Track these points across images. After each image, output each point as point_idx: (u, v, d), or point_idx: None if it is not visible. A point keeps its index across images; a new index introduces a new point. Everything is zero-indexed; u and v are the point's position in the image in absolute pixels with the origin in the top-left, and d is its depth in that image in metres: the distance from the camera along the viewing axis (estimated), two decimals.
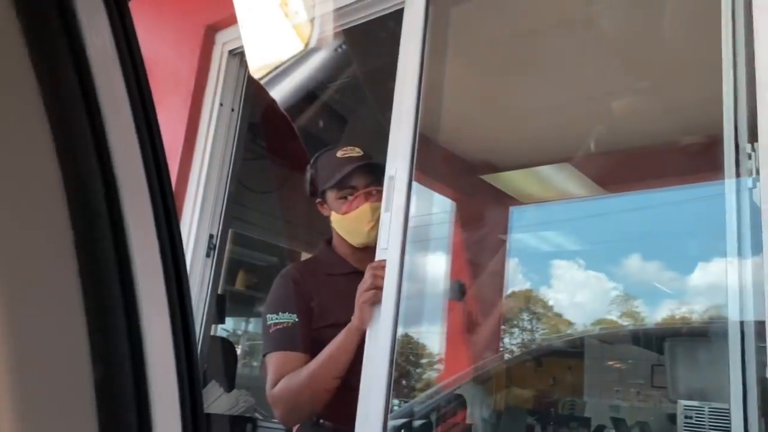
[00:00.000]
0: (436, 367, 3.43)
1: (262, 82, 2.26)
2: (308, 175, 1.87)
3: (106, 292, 0.48)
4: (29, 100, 0.46)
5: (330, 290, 1.76)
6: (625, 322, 3.27)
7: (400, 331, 1.58)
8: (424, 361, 3.44)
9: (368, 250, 1.73)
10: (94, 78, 0.49)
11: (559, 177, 3.27)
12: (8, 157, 0.46)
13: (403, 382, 3.16)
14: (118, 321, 0.48)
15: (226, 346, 2.37)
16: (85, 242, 0.47)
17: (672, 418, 2.51)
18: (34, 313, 0.45)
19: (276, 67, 2.25)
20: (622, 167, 2.98)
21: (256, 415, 2.43)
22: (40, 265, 0.46)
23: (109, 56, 0.51)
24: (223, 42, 2.42)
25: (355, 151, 1.83)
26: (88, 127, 0.48)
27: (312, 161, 1.88)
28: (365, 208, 1.76)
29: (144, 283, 0.49)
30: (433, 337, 3.33)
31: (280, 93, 2.34)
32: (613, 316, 3.31)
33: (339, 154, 1.82)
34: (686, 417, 2.31)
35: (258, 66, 2.24)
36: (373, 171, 1.78)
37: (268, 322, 1.73)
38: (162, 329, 0.51)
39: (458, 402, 2.77)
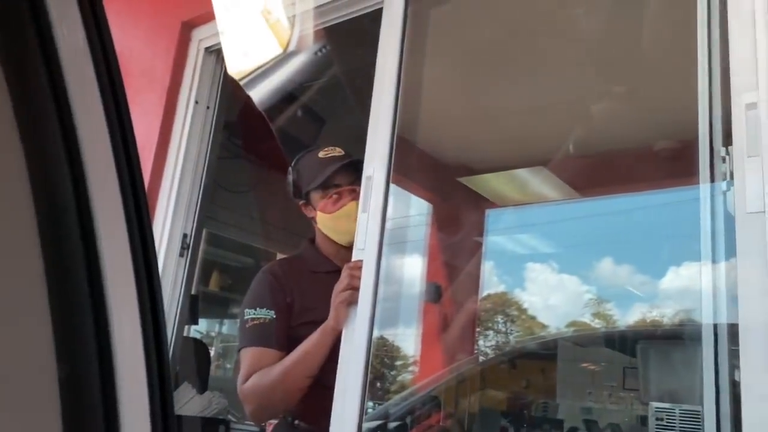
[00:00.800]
0: (410, 369, 3.43)
1: (239, 81, 2.24)
2: (290, 177, 1.86)
3: (73, 290, 0.46)
4: None
5: (312, 288, 1.75)
6: (598, 325, 3.31)
7: (376, 332, 1.57)
8: (398, 363, 3.43)
9: (352, 249, 1.73)
10: (65, 73, 0.48)
11: (534, 180, 3.29)
12: None
13: (378, 384, 3.15)
14: (86, 319, 0.46)
15: (199, 347, 2.33)
16: (51, 239, 0.45)
17: (644, 420, 2.53)
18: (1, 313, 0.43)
19: (253, 66, 2.23)
20: (597, 171, 3.01)
21: (230, 417, 2.40)
22: (4, 262, 0.44)
23: (81, 51, 0.50)
24: (200, 39, 2.39)
25: (336, 151, 1.83)
26: (57, 123, 0.47)
27: (293, 163, 1.87)
28: (351, 206, 1.75)
29: (113, 282, 0.48)
30: (408, 339, 3.33)
31: (257, 92, 2.31)
32: (586, 319, 3.34)
33: (321, 154, 1.82)
34: (657, 419, 2.34)
35: (235, 65, 2.22)
36: (356, 169, 1.78)
37: (246, 317, 1.72)
38: (132, 329, 0.49)
39: (433, 404, 2.77)
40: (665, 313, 3.01)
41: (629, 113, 2.70)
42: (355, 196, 1.77)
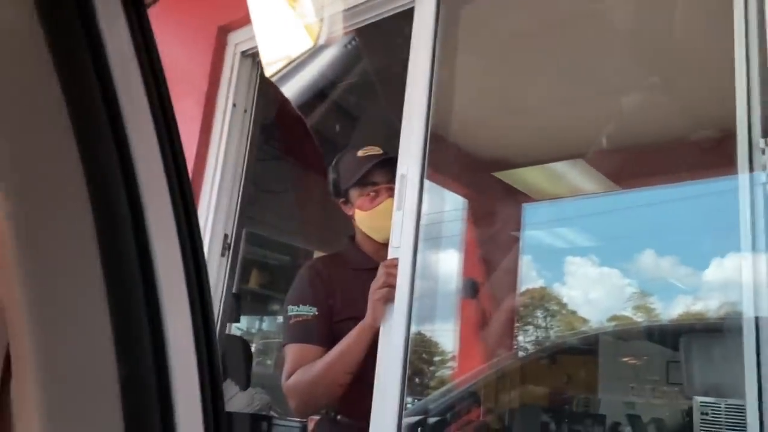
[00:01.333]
0: (449, 365, 3.43)
1: (275, 81, 2.28)
2: (330, 176, 1.90)
3: (129, 292, 0.49)
4: (53, 104, 0.47)
5: (353, 285, 1.78)
6: (640, 319, 3.26)
7: (413, 329, 1.59)
8: (437, 359, 3.44)
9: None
10: (115, 82, 0.50)
11: (571, 173, 3.26)
12: (34, 161, 0.47)
13: (416, 379, 3.16)
14: (142, 320, 0.49)
15: (242, 344, 2.38)
16: (108, 244, 0.48)
17: (688, 415, 2.49)
18: (62, 314, 0.47)
19: (288, 67, 2.26)
20: (635, 163, 2.97)
21: (272, 413, 2.45)
22: (67, 267, 0.47)
23: (129, 60, 0.52)
24: (236, 43, 2.44)
25: (375, 150, 1.86)
26: (109, 130, 0.49)
27: (333, 163, 1.91)
28: (388, 203, 1.77)
29: (166, 283, 0.50)
30: (446, 335, 3.33)
31: (293, 93, 2.35)
32: (628, 313, 3.30)
33: (359, 153, 1.86)
34: (702, 413, 2.30)
35: (272, 67, 2.25)
36: (394, 167, 1.80)
37: (289, 314, 1.76)
38: (183, 328, 0.52)
39: (472, 399, 2.77)
40: (709, 306, 2.95)
41: (667, 104, 2.65)
42: (392, 193, 1.79)
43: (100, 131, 0.49)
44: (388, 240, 1.78)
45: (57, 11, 0.48)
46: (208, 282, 0.55)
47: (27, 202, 0.47)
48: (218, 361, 0.54)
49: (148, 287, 0.50)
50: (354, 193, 1.84)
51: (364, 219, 1.83)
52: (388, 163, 1.80)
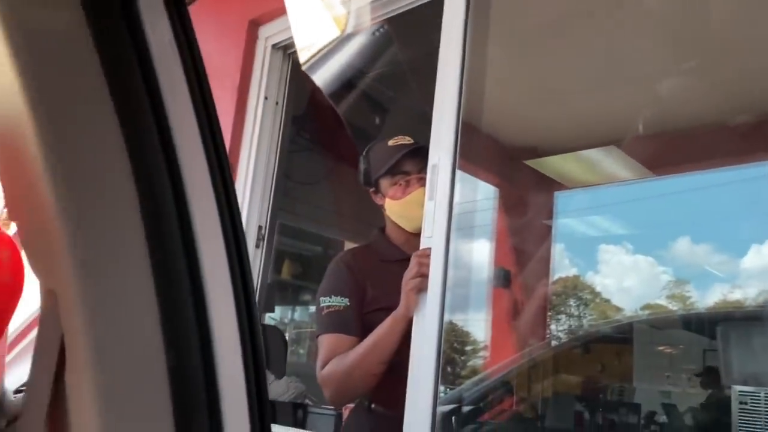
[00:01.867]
0: (481, 354, 3.43)
1: (307, 71, 2.29)
2: (361, 165, 1.91)
3: (176, 285, 0.50)
4: (101, 102, 0.49)
5: (383, 276, 1.80)
6: (675, 307, 3.21)
7: (446, 318, 1.59)
8: (468, 348, 3.44)
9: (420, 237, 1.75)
10: (159, 80, 0.52)
11: (605, 160, 3.21)
12: (84, 159, 0.49)
13: (449, 368, 3.17)
14: (188, 312, 0.51)
15: (277, 333, 2.42)
16: (156, 239, 0.50)
17: (726, 404, 2.46)
18: (113, 306, 0.48)
19: (320, 55, 2.28)
20: (670, 149, 2.91)
21: (307, 401, 2.48)
22: (117, 261, 0.49)
23: (172, 58, 0.54)
24: (266, 36, 2.46)
25: (406, 140, 1.86)
26: (155, 127, 0.51)
27: (364, 152, 1.91)
28: (419, 192, 1.77)
29: (210, 276, 0.52)
30: (478, 325, 3.33)
31: (325, 82, 2.36)
32: (663, 301, 3.25)
33: (390, 142, 1.86)
34: (741, 403, 2.27)
35: (305, 54, 2.26)
36: (425, 156, 1.80)
37: (321, 305, 1.78)
38: (228, 319, 0.53)
39: (505, 389, 2.77)
40: (747, 294, 2.89)
41: (703, 88, 2.59)
42: (423, 182, 1.79)
43: (146, 128, 0.51)
44: (418, 229, 1.79)
45: (103, 13, 0.49)
46: (251, 274, 0.57)
47: (78, 199, 0.49)
48: (261, 350, 0.56)
49: (194, 280, 0.52)
50: (385, 183, 1.85)
51: (394, 208, 1.84)
52: (419, 153, 1.80)
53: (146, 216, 0.50)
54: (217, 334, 0.52)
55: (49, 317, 0.51)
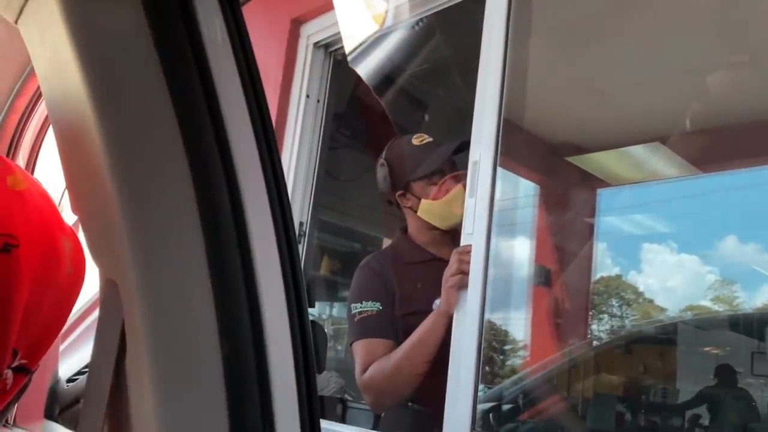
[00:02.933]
0: (520, 353, 3.41)
1: (352, 65, 2.30)
2: (384, 169, 1.88)
3: (230, 276, 0.52)
4: (161, 102, 0.51)
5: (409, 278, 1.79)
6: (721, 308, 3.13)
7: (486, 316, 1.58)
8: (507, 347, 3.42)
9: (447, 235, 1.75)
10: (215, 78, 0.53)
11: (649, 157, 3.15)
12: (144, 157, 0.51)
13: (487, 367, 3.16)
14: (242, 303, 0.52)
15: (317, 329, 2.44)
16: (211, 231, 0.51)
17: None
18: (171, 295, 0.50)
19: (364, 50, 2.29)
20: (717, 145, 2.84)
21: (346, 396, 2.50)
22: (175, 253, 0.51)
23: (226, 57, 0.55)
24: (308, 35, 2.48)
25: (426, 138, 1.84)
26: (211, 126, 0.53)
27: (384, 155, 1.89)
28: (458, 190, 1.77)
29: (263, 269, 0.53)
30: (517, 323, 3.30)
31: (368, 77, 2.37)
32: (708, 302, 3.17)
33: (415, 142, 1.84)
34: None
35: (350, 48, 2.27)
36: (457, 154, 1.80)
37: (353, 312, 1.78)
38: (279, 310, 0.54)
39: (546, 388, 2.75)
40: None
41: (751, 82, 2.52)
42: (458, 180, 1.79)
43: (202, 125, 0.53)
44: (454, 227, 1.78)
45: (162, 12, 0.51)
46: (300, 268, 0.58)
47: (138, 193, 0.51)
48: (311, 343, 0.57)
49: (247, 273, 0.53)
50: (419, 184, 1.83)
51: (434, 208, 1.82)
52: (453, 150, 1.80)
53: (202, 210, 0.51)
54: (269, 326, 0.53)
55: (110, 305, 0.53)
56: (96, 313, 0.56)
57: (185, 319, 0.50)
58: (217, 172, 0.52)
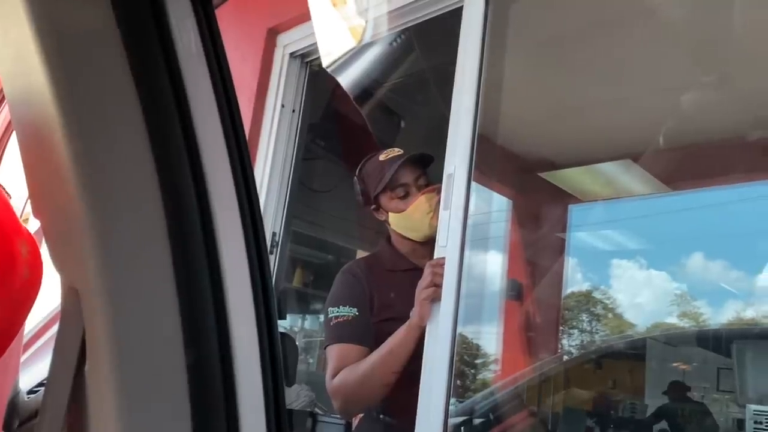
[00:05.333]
0: (491, 367, 3.41)
1: (333, 77, 2.29)
2: (357, 187, 1.89)
3: (197, 284, 0.51)
4: (128, 102, 0.49)
5: (390, 286, 1.79)
6: (689, 324, 3.18)
7: (458, 329, 1.58)
8: (479, 361, 3.42)
9: (429, 245, 1.75)
10: (185, 80, 0.52)
11: (620, 174, 3.20)
12: (109, 159, 0.50)
13: (458, 381, 3.15)
14: (208, 313, 0.51)
15: (287, 341, 2.42)
16: (178, 238, 0.50)
17: (740, 424, 2.43)
18: (134, 303, 0.49)
19: (342, 62, 2.28)
20: (687, 164, 2.89)
21: (316, 409, 2.48)
22: (139, 259, 0.49)
23: (198, 58, 0.54)
24: (284, 44, 2.47)
25: (396, 152, 1.85)
26: (180, 127, 0.51)
27: (358, 172, 1.90)
28: (421, 200, 1.77)
29: (231, 276, 0.52)
30: (490, 337, 3.31)
31: (350, 89, 2.37)
32: (676, 318, 3.22)
33: (381, 158, 1.85)
34: (756, 422, 2.24)
35: (327, 61, 2.27)
36: (417, 163, 1.81)
37: (330, 315, 1.77)
38: (247, 320, 0.53)
39: (516, 402, 2.75)
40: (763, 311, 2.86)
41: (721, 102, 2.57)
42: (424, 190, 1.79)
43: (171, 128, 0.51)
44: (426, 238, 1.78)
45: (133, 12, 0.50)
46: (271, 278, 0.57)
47: (103, 198, 0.49)
48: (279, 354, 0.56)
49: (215, 282, 0.52)
50: (384, 198, 1.83)
51: (399, 221, 1.83)
52: (412, 161, 1.80)
53: (169, 216, 0.50)
54: (237, 337, 0.52)
55: (70, 314, 0.51)
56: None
57: (149, 328, 0.49)
58: (186, 178, 0.51)
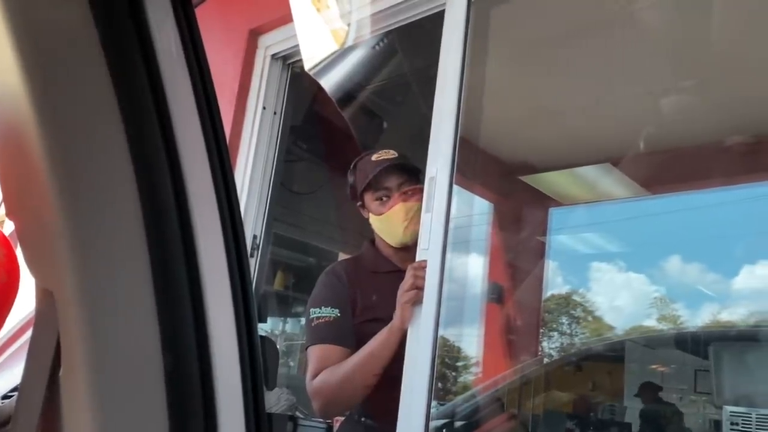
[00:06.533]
0: (472, 370, 3.42)
1: (316, 80, 2.29)
2: (349, 180, 1.90)
3: (175, 289, 0.50)
4: (106, 101, 0.48)
5: (373, 287, 1.79)
6: (667, 326, 3.22)
7: (440, 332, 1.58)
8: (460, 363, 3.43)
9: (411, 249, 1.75)
10: (164, 79, 0.51)
11: (600, 177, 3.23)
12: (86, 159, 0.48)
13: (439, 384, 3.16)
14: (187, 317, 0.50)
15: (268, 344, 2.40)
16: (156, 241, 0.49)
17: (717, 425, 2.45)
18: (111, 308, 0.48)
19: (324, 66, 2.28)
20: (666, 168, 2.93)
21: (297, 413, 2.46)
22: (116, 263, 0.48)
23: (176, 58, 0.54)
24: (266, 46, 2.46)
25: (390, 154, 1.85)
26: (158, 127, 0.51)
27: (352, 166, 1.91)
28: (398, 208, 1.77)
29: (210, 281, 0.51)
30: (471, 339, 3.32)
31: (334, 92, 2.36)
32: (654, 320, 3.25)
33: (374, 157, 1.85)
34: (732, 423, 2.27)
35: (310, 64, 2.26)
36: (404, 171, 1.80)
37: (311, 316, 1.76)
38: (227, 325, 0.52)
39: (497, 404, 2.76)
40: (739, 314, 2.90)
41: (700, 107, 2.61)
42: (404, 198, 1.79)
43: (150, 128, 0.51)
44: (400, 244, 1.79)
45: (110, 11, 0.49)
46: (250, 281, 0.56)
47: (79, 199, 0.48)
48: (259, 358, 0.55)
49: (193, 285, 0.51)
50: (367, 198, 1.84)
51: (376, 223, 1.83)
52: (399, 168, 1.79)
53: (147, 218, 0.49)
54: (215, 340, 0.51)
55: (44, 317, 0.50)
56: None
57: (125, 332, 0.48)
58: (165, 180, 0.50)
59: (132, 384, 0.48)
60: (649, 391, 2.82)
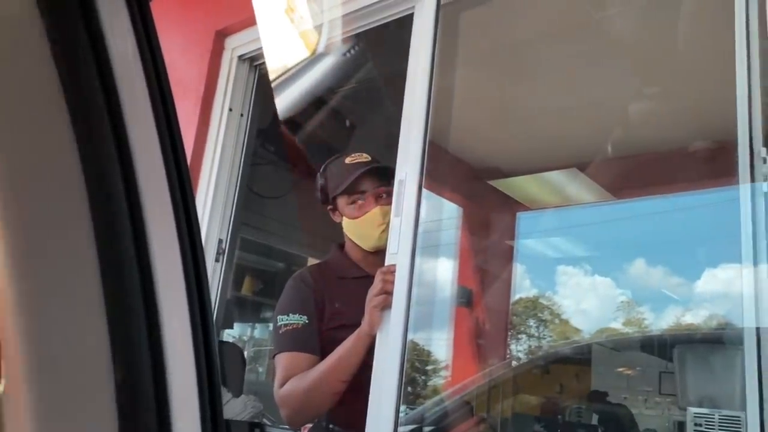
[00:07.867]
0: (441, 373, 3.42)
1: (277, 87, 2.26)
2: (319, 183, 1.88)
3: (126, 295, 0.47)
4: (53, 100, 0.46)
5: (341, 293, 1.77)
6: (632, 329, 3.26)
7: (409, 336, 1.57)
8: (429, 367, 3.43)
9: (380, 254, 1.73)
10: (116, 77, 0.49)
11: (567, 182, 3.26)
12: (31, 160, 0.46)
13: (409, 388, 3.15)
14: (139, 323, 0.48)
15: (234, 350, 2.36)
16: (106, 246, 0.47)
17: (681, 426, 2.49)
18: (56, 315, 0.45)
19: (287, 73, 2.26)
20: (631, 173, 2.97)
21: (264, 420, 2.42)
22: (63, 268, 0.46)
23: (131, 56, 0.51)
24: (233, 47, 2.42)
25: (363, 157, 1.83)
26: (110, 128, 0.48)
27: (322, 169, 1.89)
28: (375, 211, 1.76)
29: (164, 287, 0.49)
30: (440, 343, 3.32)
31: (289, 99, 2.34)
32: (620, 323, 3.30)
33: (347, 160, 1.83)
34: (696, 425, 2.30)
35: (274, 71, 2.24)
36: (381, 175, 1.79)
37: (279, 323, 1.74)
38: (182, 332, 0.50)
39: (466, 409, 2.76)
40: (702, 317, 2.95)
41: (664, 114, 2.66)
42: (381, 201, 1.78)
43: (101, 130, 0.48)
44: (375, 248, 1.78)
45: (58, 3, 0.46)
46: (208, 286, 0.54)
47: (23, 202, 0.45)
48: (217, 366, 0.53)
49: (146, 290, 0.49)
50: (342, 201, 1.82)
51: (351, 227, 1.82)
52: (376, 171, 1.78)
53: (96, 220, 0.47)
54: (170, 346, 0.49)
55: None
56: None
57: (72, 342, 0.45)
58: (117, 183, 0.48)
59: (79, 398, 0.45)
60: (598, 396, 2.89)
